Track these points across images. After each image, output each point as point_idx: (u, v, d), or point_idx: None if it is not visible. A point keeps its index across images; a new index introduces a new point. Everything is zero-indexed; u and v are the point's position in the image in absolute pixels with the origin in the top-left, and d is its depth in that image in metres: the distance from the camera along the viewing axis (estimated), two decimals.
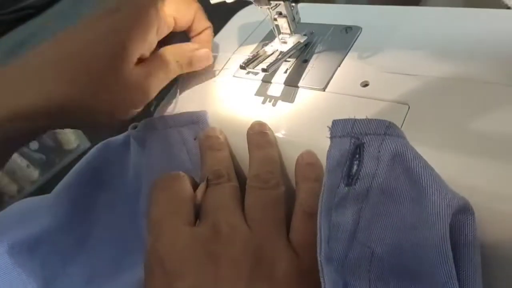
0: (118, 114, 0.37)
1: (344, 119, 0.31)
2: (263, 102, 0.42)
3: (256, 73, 0.43)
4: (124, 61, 0.34)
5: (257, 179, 0.34)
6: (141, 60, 0.37)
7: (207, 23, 0.46)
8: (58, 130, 0.77)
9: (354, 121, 0.30)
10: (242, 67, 0.41)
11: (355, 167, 0.29)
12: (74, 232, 0.43)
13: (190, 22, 0.44)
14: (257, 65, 0.41)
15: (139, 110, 0.39)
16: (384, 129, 0.29)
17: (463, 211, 0.27)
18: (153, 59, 0.38)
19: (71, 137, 0.81)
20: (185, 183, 0.35)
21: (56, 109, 0.32)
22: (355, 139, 0.29)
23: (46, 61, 0.31)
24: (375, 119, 0.30)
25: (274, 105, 0.41)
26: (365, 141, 0.29)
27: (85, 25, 0.31)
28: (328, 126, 0.31)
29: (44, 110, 0.31)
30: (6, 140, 0.32)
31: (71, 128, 0.37)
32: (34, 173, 0.79)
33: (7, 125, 0.30)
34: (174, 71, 0.41)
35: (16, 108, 0.30)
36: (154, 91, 0.39)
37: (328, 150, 0.30)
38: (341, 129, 0.30)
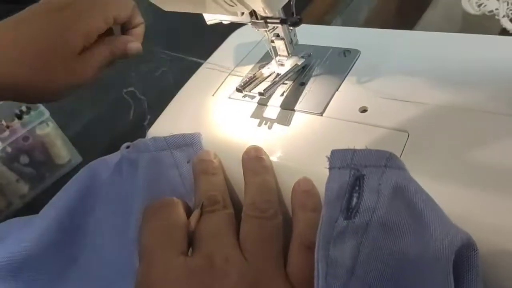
0: (58, 94, 0.44)
1: (343, 150, 0.30)
2: (259, 125, 0.41)
3: (252, 97, 0.42)
4: (70, 51, 0.42)
5: (254, 207, 0.33)
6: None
7: (141, 19, 0.51)
8: (48, 145, 0.75)
9: (354, 151, 0.29)
10: (238, 90, 0.40)
11: (354, 200, 0.28)
12: (61, 257, 0.42)
13: (127, 18, 0.48)
14: (254, 87, 0.41)
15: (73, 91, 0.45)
16: (385, 160, 0.29)
17: (467, 247, 0.26)
18: (92, 48, 0.44)
19: (62, 152, 0.79)
20: (178, 209, 0.34)
21: (6, 85, 0.40)
22: (355, 170, 0.28)
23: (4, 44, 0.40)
24: (375, 150, 0.29)
25: (270, 128, 0.40)
26: (365, 173, 0.28)
27: (39, 17, 0.42)
28: (327, 156, 0.30)
29: None
30: None
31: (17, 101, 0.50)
32: (24, 188, 0.77)
33: None
34: (109, 59, 0.46)
35: None
36: (91, 76, 0.45)
37: (326, 182, 0.29)
38: (340, 160, 0.29)
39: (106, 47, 0.45)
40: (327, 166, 0.29)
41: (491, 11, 0.63)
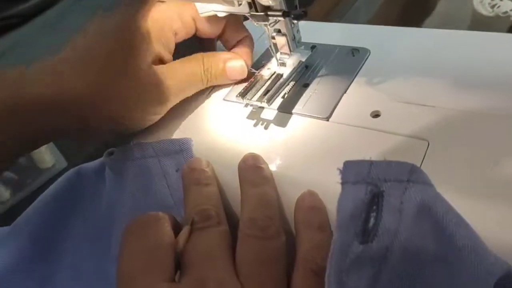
0: (130, 120, 0.36)
1: (358, 161, 0.25)
2: (257, 130, 0.36)
3: (255, 105, 0.38)
4: (136, 59, 0.32)
5: (253, 225, 0.29)
6: (162, 61, 0.36)
7: (244, 32, 0.42)
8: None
9: (371, 163, 0.25)
10: (239, 97, 0.37)
11: (372, 221, 0.23)
12: (34, 275, 0.37)
13: (217, 29, 0.41)
14: (256, 93, 0.37)
15: (155, 118, 0.37)
16: (408, 174, 0.24)
17: (506, 278, 0.22)
18: (175, 61, 0.37)
19: (46, 156, 0.75)
20: (164, 227, 0.29)
21: (66, 103, 0.30)
22: (373, 186, 0.24)
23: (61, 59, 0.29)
24: (396, 162, 0.25)
25: (269, 134, 0.36)
26: (384, 189, 0.24)
27: (95, 24, 0.29)
28: (338, 169, 0.25)
29: (54, 103, 0.30)
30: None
31: (77, 131, 0.35)
32: (5, 193, 0.74)
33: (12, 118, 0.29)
34: (200, 79, 0.39)
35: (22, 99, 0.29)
36: (173, 96, 0.37)
37: (339, 199, 0.25)
38: (354, 173, 0.25)
39: (197, 62, 0.38)
40: (339, 181, 0.25)
41: (506, 12, 0.59)
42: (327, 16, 0.83)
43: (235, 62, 0.40)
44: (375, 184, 0.24)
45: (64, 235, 0.39)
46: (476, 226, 0.25)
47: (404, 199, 0.23)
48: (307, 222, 0.29)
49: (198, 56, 0.39)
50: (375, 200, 0.24)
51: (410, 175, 0.24)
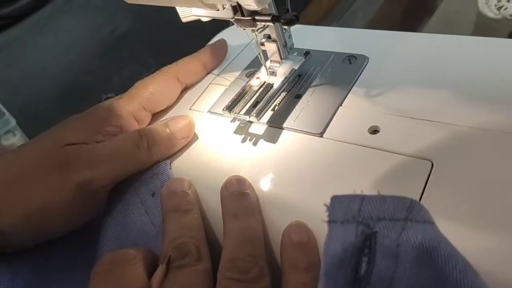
0: None
1: (347, 196, 0.21)
2: (245, 147, 0.33)
3: (243, 120, 0.35)
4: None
5: (234, 266, 0.25)
6: None
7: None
8: None
9: (362, 198, 0.21)
10: (225, 111, 0.34)
11: (363, 267, 0.20)
12: None
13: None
14: (244, 106, 0.34)
15: None
16: (405, 211, 0.21)
17: None
18: None
19: None
20: (134, 268, 0.26)
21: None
22: (364, 226, 0.20)
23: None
24: (391, 197, 0.21)
25: (257, 151, 0.32)
26: (378, 229, 0.20)
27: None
28: (325, 205, 0.22)
29: None
30: None
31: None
32: None
33: None
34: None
35: None
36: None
37: (325, 241, 0.21)
38: (344, 210, 0.21)
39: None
40: (326, 219, 0.21)
41: None
42: (324, 17, 0.80)
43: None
44: (367, 224, 0.20)
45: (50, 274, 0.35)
46: (487, 263, 0.22)
47: (401, 241, 0.20)
48: (293, 262, 0.26)
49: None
50: (367, 242, 0.20)
51: (409, 212, 0.20)
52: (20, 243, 0.32)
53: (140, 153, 0.32)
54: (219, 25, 0.39)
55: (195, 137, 0.35)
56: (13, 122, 0.60)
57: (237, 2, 0.28)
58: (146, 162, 0.33)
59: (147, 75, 0.82)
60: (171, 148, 0.34)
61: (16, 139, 0.62)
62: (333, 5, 0.83)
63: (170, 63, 0.39)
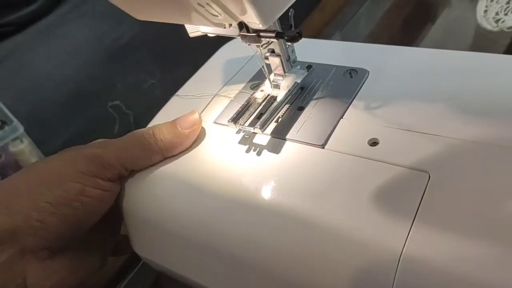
0: None
1: None
2: (248, 156, 0.34)
3: (248, 132, 0.36)
4: None
5: None
6: None
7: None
8: (23, 164, 0.70)
9: None
10: (230, 122, 0.35)
11: None
12: None
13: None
14: (248, 118, 0.35)
15: None
16: None
17: None
18: None
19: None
20: None
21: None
22: None
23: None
24: None
25: (261, 161, 0.34)
26: None
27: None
28: None
29: None
30: None
31: None
32: None
33: None
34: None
35: None
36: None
37: None
38: None
39: None
40: None
41: (510, 27, 0.57)
42: (327, 25, 0.81)
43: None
44: None
45: None
46: (483, 273, 0.23)
47: None
48: None
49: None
50: None
51: None
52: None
53: (146, 140, 0.35)
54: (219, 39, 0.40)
55: (201, 147, 0.37)
56: (21, 129, 0.62)
57: (242, 21, 0.30)
58: (152, 150, 0.36)
59: (152, 83, 0.83)
60: (178, 136, 0.36)
61: (24, 145, 0.64)
62: (335, 13, 0.84)
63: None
